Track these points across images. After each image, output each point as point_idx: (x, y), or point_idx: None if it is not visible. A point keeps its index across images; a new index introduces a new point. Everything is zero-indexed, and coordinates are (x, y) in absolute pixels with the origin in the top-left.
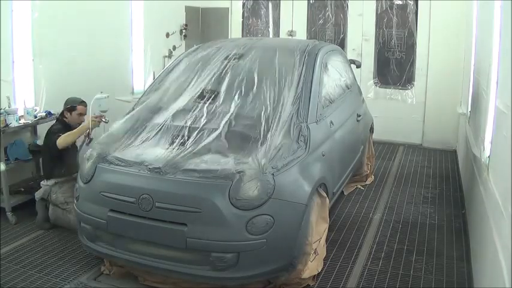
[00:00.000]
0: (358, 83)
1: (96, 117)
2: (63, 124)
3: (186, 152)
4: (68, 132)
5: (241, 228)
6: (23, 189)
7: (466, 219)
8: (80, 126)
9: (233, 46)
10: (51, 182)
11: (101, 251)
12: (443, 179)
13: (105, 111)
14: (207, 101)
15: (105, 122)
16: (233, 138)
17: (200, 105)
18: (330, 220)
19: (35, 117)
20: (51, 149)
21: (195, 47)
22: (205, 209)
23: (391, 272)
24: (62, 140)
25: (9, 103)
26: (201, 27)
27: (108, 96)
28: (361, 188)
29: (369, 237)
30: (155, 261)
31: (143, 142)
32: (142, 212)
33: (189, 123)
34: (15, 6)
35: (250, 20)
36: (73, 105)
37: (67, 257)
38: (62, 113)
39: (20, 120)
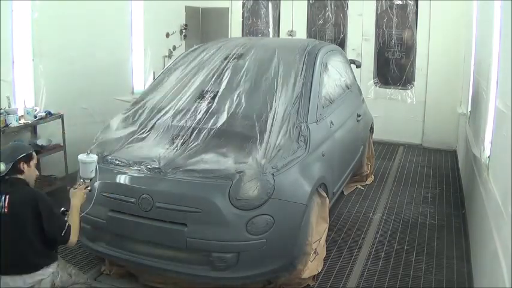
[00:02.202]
0: (358, 83)
1: (85, 188)
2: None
3: (186, 152)
4: (73, 223)
5: (241, 228)
6: None
7: (466, 219)
8: (73, 208)
9: (233, 46)
10: (53, 267)
11: (101, 251)
12: (443, 179)
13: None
14: (207, 101)
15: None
16: (233, 138)
17: (200, 105)
18: (330, 220)
19: (35, 117)
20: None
21: (195, 46)
22: (206, 209)
23: (391, 272)
24: (74, 237)
25: (9, 103)
26: (201, 27)
27: (96, 159)
28: (361, 188)
29: (369, 237)
30: (155, 261)
31: (143, 142)
32: (142, 212)
33: (188, 123)
34: (15, 6)
35: (250, 20)
36: (28, 152)
37: (67, 257)
38: (16, 167)
39: (20, 120)
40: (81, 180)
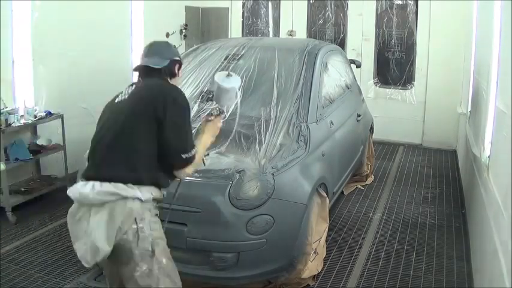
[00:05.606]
0: (358, 83)
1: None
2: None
3: None
4: (197, 154)
5: (241, 228)
6: (23, 189)
7: (466, 219)
8: (205, 140)
9: (233, 46)
10: (145, 194)
11: None
12: (443, 179)
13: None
14: (207, 101)
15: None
16: (233, 138)
17: (199, 104)
18: (330, 220)
19: (35, 117)
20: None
21: (195, 46)
22: (205, 209)
23: (391, 272)
24: (191, 168)
25: (4, 104)
26: (201, 27)
27: (239, 84)
28: (361, 188)
29: (369, 237)
30: None
31: None
32: None
33: None
34: (15, 6)
35: (250, 20)
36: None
37: (67, 257)
38: (171, 65)
39: (20, 120)
40: (216, 108)
